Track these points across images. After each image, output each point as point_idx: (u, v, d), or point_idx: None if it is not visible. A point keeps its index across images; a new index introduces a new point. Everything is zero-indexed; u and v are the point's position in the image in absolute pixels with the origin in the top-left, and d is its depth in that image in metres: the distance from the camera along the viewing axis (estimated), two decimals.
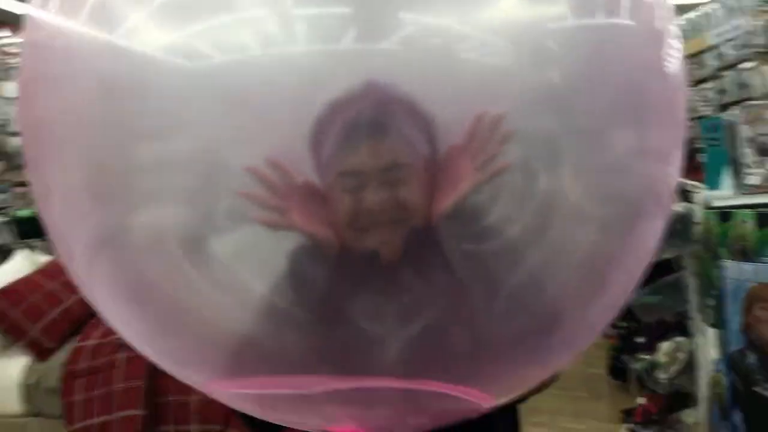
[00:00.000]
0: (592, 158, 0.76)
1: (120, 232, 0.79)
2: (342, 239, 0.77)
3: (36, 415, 3.19)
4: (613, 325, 3.87)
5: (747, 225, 1.29)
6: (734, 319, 1.39)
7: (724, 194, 2.68)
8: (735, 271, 1.33)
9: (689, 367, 2.95)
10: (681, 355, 2.97)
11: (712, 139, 3.05)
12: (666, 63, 0.82)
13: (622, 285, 0.86)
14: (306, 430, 0.92)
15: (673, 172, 0.85)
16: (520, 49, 0.71)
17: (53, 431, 3.11)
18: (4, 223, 4.14)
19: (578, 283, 0.81)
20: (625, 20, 0.78)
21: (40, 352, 3.26)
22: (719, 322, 1.54)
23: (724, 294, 1.47)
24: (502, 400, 0.89)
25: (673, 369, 2.95)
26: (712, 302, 1.65)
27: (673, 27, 0.86)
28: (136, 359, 3.04)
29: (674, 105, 0.84)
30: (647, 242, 0.85)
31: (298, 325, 0.79)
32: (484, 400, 0.85)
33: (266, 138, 0.73)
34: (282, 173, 0.74)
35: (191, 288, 0.78)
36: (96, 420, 2.98)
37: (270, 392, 0.86)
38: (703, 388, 2.37)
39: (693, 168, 3.27)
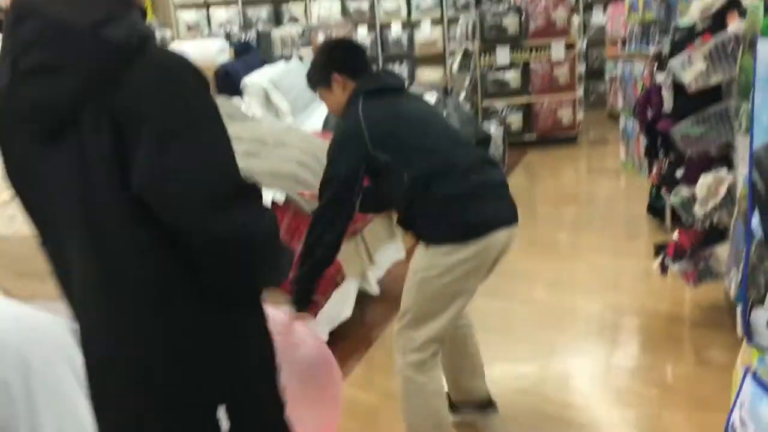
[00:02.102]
0: None
1: None
2: None
3: None
4: (655, 157, 3.71)
5: None
6: (765, 110, 1.24)
7: None
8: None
9: (729, 200, 2.83)
10: (721, 189, 2.84)
11: None
12: None
13: None
14: None
15: None
16: None
17: None
18: None
19: None
20: None
21: None
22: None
23: (755, 80, 1.31)
24: None
25: (711, 203, 2.84)
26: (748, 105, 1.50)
27: None
28: None
29: None
30: None
31: None
32: None
33: None
34: None
35: None
36: None
37: None
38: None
39: None
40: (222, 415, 1.21)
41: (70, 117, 1.11)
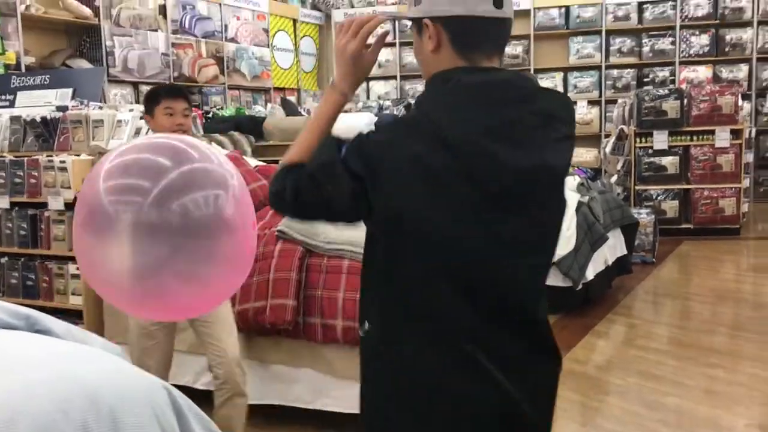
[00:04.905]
0: None
1: None
2: None
3: None
4: None
5: None
6: None
7: None
8: None
9: None
10: None
11: None
12: None
13: None
14: None
15: None
16: None
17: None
18: (196, 119, 4.42)
19: None
20: None
21: None
22: None
23: None
24: None
25: None
26: None
27: None
28: (288, 252, 3.15)
29: None
30: None
31: None
32: None
33: None
34: None
35: None
36: (251, 305, 3.16)
37: None
38: None
39: None
40: None
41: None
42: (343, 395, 3.05)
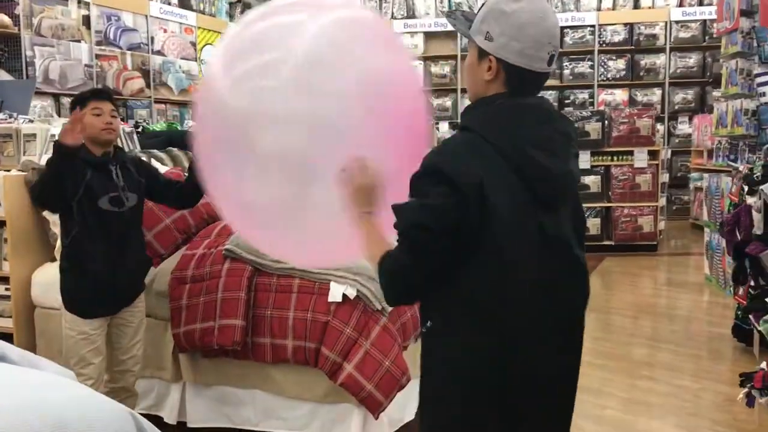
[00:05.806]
0: None
1: None
2: None
3: (147, 315, 3.34)
4: (743, 284, 3.53)
5: None
6: None
7: None
8: None
9: None
10: None
11: None
12: None
13: None
14: None
15: None
16: None
17: (161, 332, 3.26)
18: (133, 133, 4.31)
19: None
20: None
21: (153, 257, 3.39)
22: None
23: None
24: None
25: None
26: None
27: None
28: (236, 271, 3.10)
29: None
30: None
31: None
32: None
33: None
34: None
35: None
36: (198, 325, 3.09)
37: None
38: None
39: None
40: None
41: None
42: (292, 416, 3.03)
